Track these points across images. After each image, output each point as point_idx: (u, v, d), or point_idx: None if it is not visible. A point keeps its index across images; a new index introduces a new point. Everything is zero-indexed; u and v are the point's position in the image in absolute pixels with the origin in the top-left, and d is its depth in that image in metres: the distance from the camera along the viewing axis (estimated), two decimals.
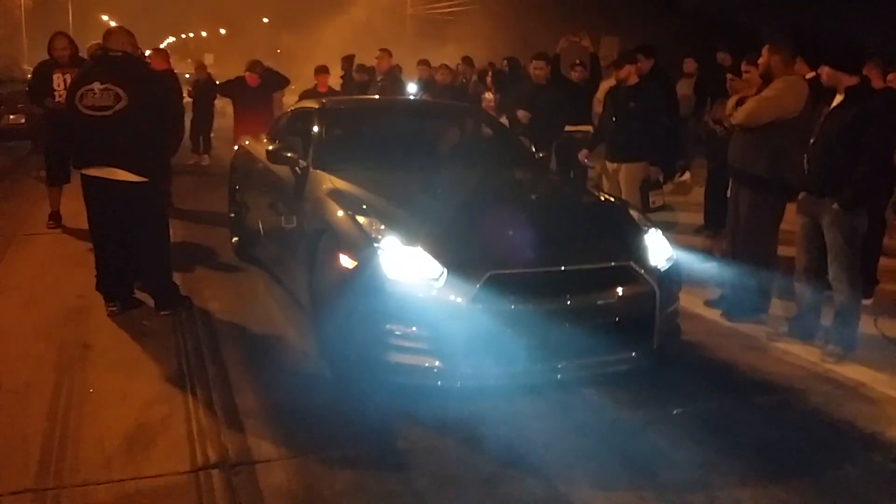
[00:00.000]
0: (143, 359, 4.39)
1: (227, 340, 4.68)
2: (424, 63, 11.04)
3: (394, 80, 10.46)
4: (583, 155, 7.07)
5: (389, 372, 3.80)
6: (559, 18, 25.19)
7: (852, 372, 4.37)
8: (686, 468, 3.31)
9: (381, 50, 10.67)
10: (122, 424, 3.55)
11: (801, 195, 4.73)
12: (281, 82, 9.78)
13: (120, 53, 4.89)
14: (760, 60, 5.18)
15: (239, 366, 4.28)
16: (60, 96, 6.69)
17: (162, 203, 5.27)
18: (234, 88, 9.53)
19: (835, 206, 4.40)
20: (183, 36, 54.36)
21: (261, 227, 5.85)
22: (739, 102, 5.37)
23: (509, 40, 23.07)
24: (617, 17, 23.45)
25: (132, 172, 4.77)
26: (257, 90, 9.21)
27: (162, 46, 17.18)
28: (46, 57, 7.28)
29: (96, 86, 4.74)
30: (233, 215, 6.79)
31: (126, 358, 4.39)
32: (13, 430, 3.49)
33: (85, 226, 5.27)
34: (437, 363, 3.72)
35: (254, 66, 9.35)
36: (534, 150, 5.80)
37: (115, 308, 5.05)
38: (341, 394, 3.92)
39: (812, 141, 4.61)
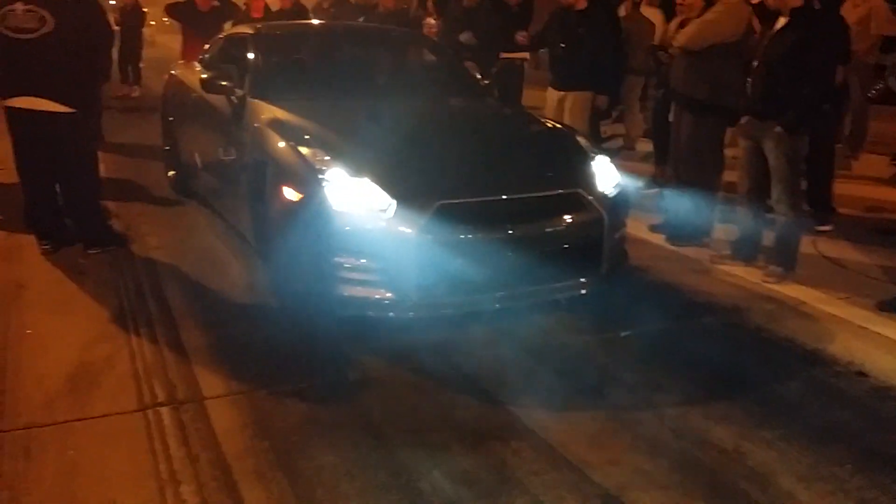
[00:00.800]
0: (82, 298, 4.24)
1: (168, 277, 4.55)
2: None
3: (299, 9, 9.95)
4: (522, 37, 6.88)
5: (340, 305, 3.74)
6: None
7: (793, 291, 4.49)
8: (635, 388, 3.38)
9: None
10: (63, 365, 3.44)
11: (743, 119, 4.76)
12: (234, 11, 9.13)
13: None
14: None
15: (182, 302, 4.18)
16: None
17: (91, 136, 5.01)
18: (183, 12, 8.87)
19: (778, 128, 4.44)
20: None
21: (198, 159, 5.64)
22: (682, 25, 5.34)
23: None
24: None
25: (60, 103, 4.51)
26: (209, 16, 8.54)
27: None
28: None
29: (18, 6, 4.42)
30: (167, 148, 6.55)
31: (63, 297, 4.24)
32: None
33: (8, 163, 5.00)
34: (388, 294, 3.67)
35: None
36: (479, 77, 5.68)
37: (48, 246, 4.85)
38: (290, 328, 3.86)
39: (755, 64, 4.62)
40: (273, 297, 4.15)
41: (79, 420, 3.03)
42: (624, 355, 3.70)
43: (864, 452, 2.94)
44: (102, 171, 5.22)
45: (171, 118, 6.38)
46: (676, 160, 5.41)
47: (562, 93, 6.48)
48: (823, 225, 5.58)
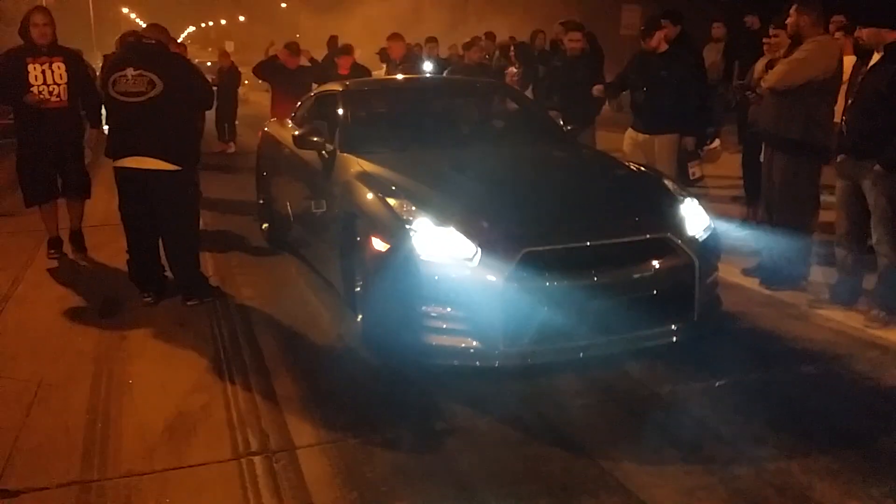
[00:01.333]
0: (180, 348, 4.41)
1: (261, 327, 4.68)
2: (433, 41, 10.81)
3: (414, 60, 10.26)
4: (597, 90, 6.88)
5: (427, 354, 3.77)
6: None
7: (890, 334, 4.29)
8: (731, 441, 3.25)
9: (392, 35, 10.11)
10: (163, 414, 3.57)
11: (839, 158, 4.61)
12: (322, 70, 9.36)
13: (153, 41, 4.88)
14: (789, 21, 5.04)
15: (275, 351, 4.29)
16: (40, 91, 5.69)
17: (193, 191, 5.25)
18: (269, 70, 9.24)
19: (876, 167, 4.27)
20: (203, 25, 54.54)
21: (290, 212, 5.84)
22: (769, 66, 5.24)
23: (528, 13, 22.77)
24: None
25: (165, 161, 4.77)
26: (296, 74, 8.86)
27: (183, 36, 17.11)
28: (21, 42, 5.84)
29: (129, 71, 4.72)
30: (261, 201, 6.79)
31: (162, 347, 4.42)
32: (56, 423, 3.52)
33: (109, 221, 5.27)
34: (474, 343, 3.69)
35: (291, 46, 9.03)
36: (562, 123, 5.70)
37: (149, 298, 5.08)
38: (379, 377, 3.91)
39: (850, 101, 4.49)
40: (361, 346, 4.21)
41: (176, 469, 3.13)
42: (719, 406, 3.57)
43: None
44: (200, 224, 5.45)
45: (265, 173, 6.63)
46: (769, 201, 5.26)
47: (646, 135, 6.42)
48: None
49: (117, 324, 4.76)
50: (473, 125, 5.96)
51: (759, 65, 5.52)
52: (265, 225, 6.69)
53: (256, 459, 3.18)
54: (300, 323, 4.73)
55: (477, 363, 3.72)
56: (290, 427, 3.43)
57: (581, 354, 3.81)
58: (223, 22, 51.27)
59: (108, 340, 4.50)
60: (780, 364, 4.06)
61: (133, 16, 53.55)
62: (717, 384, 3.79)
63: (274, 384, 3.88)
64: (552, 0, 22.45)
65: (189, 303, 5.03)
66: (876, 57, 4.39)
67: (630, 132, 6.58)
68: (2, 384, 3.89)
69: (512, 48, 10.02)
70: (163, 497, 2.93)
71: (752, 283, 5.23)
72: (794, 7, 4.97)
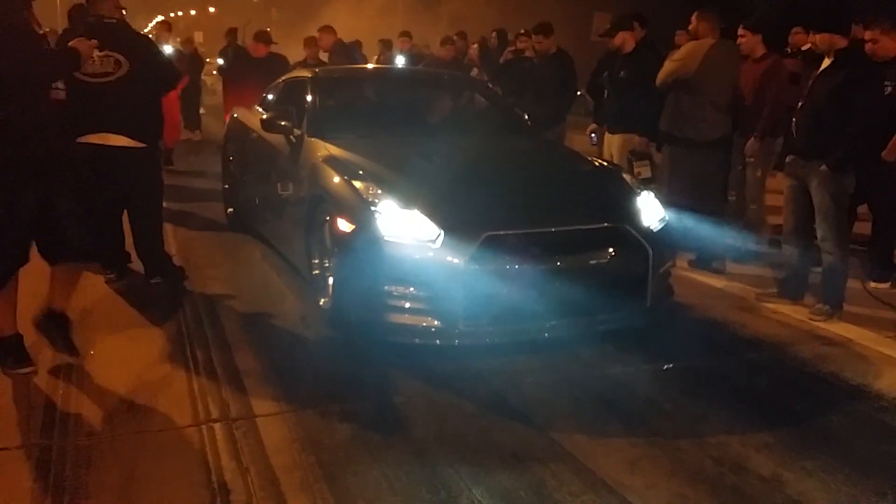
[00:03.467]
0: (142, 323, 4.46)
1: (224, 306, 4.73)
2: (406, 35, 10.90)
3: (343, 53, 10.15)
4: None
5: (388, 332, 3.87)
6: None
7: (840, 329, 4.48)
8: (676, 418, 3.41)
9: (323, 27, 9.97)
10: (123, 383, 3.62)
11: (788, 158, 4.81)
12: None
13: (115, 20, 4.89)
14: (690, 27, 5.69)
15: (238, 329, 4.35)
16: None
17: (157, 169, 5.26)
18: (233, 57, 9.16)
19: (823, 167, 4.47)
20: (172, 15, 53.96)
21: (256, 196, 5.90)
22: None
23: (501, 14, 22.94)
24: None
25: (131, 138, 4.78)
26: (262, 62, 8.86)
27: (150, 25, 16.87)
28: None
29: (94, 53, 4.72)
30: (227, 186, 6.82)
31: (125, 322, 4.46)
32: (17, 387, 3.57)
33: None
34: (435, 322, 3.80)
35: (262, 35, 9.00)
36: (526, 117, 5.84)
37: (111, 276, 5.09)
38: (340, 355, 4.00)
39: (800, 104, 4.69)
40: (324, 326, 4.29)
41: (137, 433, 3.19)
42: (665, 387, 3.73)
43: None
44: (166, 210, 5.46)
45: (231, 157, 6.67)
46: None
47: (612, 134, 6.60)
48: (881, 282, 5.41)
49: (79, 297, 4.75)
50: (440, 116, 6.07)
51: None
52: (230, 209, 6.72)
53: (216, 426, 3.25)
54: (263, 303, 4.80)
55: (437, 342, 3.83)
56: (250, 397, 3.50)
57: (537, 336, 3.95)
58: (192, 12, 50.85)
59: (73, 312, 4.51)
60: (726, 351, 4.24)
61: None
62: (663, 367, 3.95)
63: (235, 358, 3.94)
64: (524, 4, 22.67)
65: (152, 280, 5.04)
66: (826, 62, 4.60)
67: (605, 132, 6.77)
68: None
69: (476, 48, 10.14)
70: (122, 461, 2.98)
71: (704, 276, 5.44)
72: (695, 13, 5.64)
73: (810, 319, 4.61)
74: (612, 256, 4.04)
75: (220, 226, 6.73)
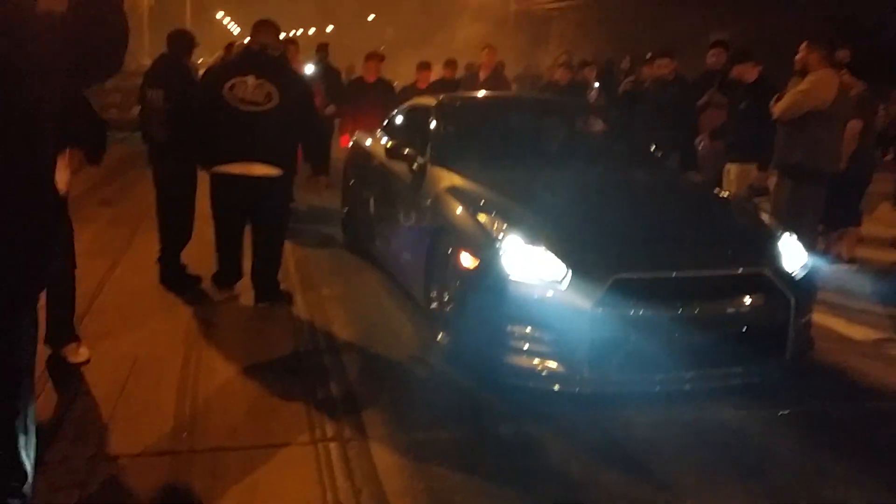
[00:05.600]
0: (262, 339, 4.55)
1: (341, 330, 4.76)
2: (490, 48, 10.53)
3: (498, 77, 10.26)
4: (700, 139, 6.80)
5: (508, 374, 3.75)
6: (664, 15, 24.47)
7: None
8: (793, 468, 3.26)
9: (488, 46, 10.35)
10: (245, 397, 3.74)
11: None
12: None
13: (277, 54, 4.96)
14: (798, 57, 5.56)
15: (354, 355, 4.37)
16: None
17: (288, 199, 5.32)
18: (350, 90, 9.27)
19: None
20: (292, 34, 56.11)
21: (375, 222, 5.90)
22: (779, 98, 5.54)
23: (614, 37, 22.57)
24: (726, 12, 22.57)
25: (272, 167, 4.80)
26: (374, 87, 8.79)
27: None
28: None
29: (250, 79, 4.74)
30: (346, 210, 6.87)
31: (246, 337, 4.59)
32: (149, 396, 3.72)
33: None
34: (558, 367, 3.65)
35: (376, 56, 8.93)
36: (652, 148, 5.62)
37: (232, 292, 5.21)
38: (455, 387, 3.95)
39: None
40: (440, 359, 4.22)
41: (258, 448, 3.27)
42: (784, 434, 3.54)
43: None
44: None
45: (351, 182, 6.71)
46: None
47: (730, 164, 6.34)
48: None
49: (205, 312, 4.94)
50: (566, 145, 5.92)
51: (774, 98, 5.64)
52: (348, 233, 6.77)
53: (331, 445, 3.32)
54: (379, 330, 4.78)
55: (556, 387, 3.68)
56: (364, 420, 3.55)
57: (665, 389, 3.73)
58: (312, 31, 52.53)
59: (197, 326, 4.70)
60: (846, 398, 4.00)
61: (227, 20, 55.30)
62: (779, 413, 3.74)
63: (350, 382, 3.99)
64: (639, 27, 22.23)
65: (259, 304, 5.09)
66: None
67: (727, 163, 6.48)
68: (101, 359, 4.07)
69: (594, 72, 9.96)
70: (245, 472, 3.07)
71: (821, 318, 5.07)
72: (804, 44, 5.58)
73: None
74: (750, 304, 3.78)
75: (338, 248, 6.79)
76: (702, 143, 6.72)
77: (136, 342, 4.35)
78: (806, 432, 3.57)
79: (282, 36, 5.57)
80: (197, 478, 3.03)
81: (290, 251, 6.50)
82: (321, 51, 10.08)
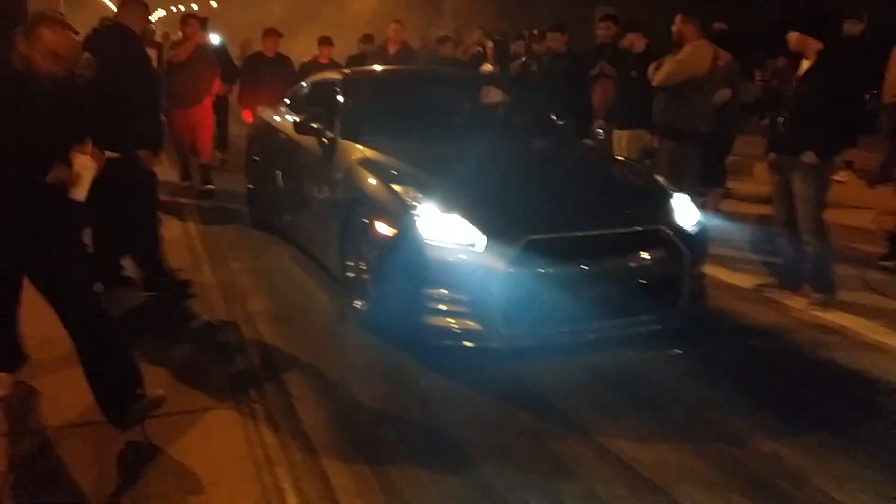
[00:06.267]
0: (177, 314, 4.63)
1: (254, 301, 4.84)
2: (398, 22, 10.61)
3: (408, 51, 10.26)
4: (597, 125, 7.15)
5: (428, 334, 3.92)
6: None
7: (837, 318, 4.69)
8: (683, 399, 3.62)
9: (396, 21, 10.27)
10: (165, 369, 3.79)
11: (772, 156, 4.99)
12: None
13: (110, 23, 4.75)
14: (674, 28, 5.86)
15: (269, 324, 4.46)
16: None
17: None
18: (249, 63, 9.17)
19: (807, 156, 4.64)
20: (174, 10, 53.81)
21: (284, 197, 5.91)
22: (658, 66, 5.89)
23: (506, 12, 22.92)
24: None
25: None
26: (274, 62, 8.79)
27: (153, 21, 16.40)
28: None
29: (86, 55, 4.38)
30: (251, 186, 6.81)
31: (162, 312, 4.65)
32: (68, 373, 3.42)
33: None
34: (474, 325, 3.84)
35: (274, 32, 8.90)
36: (555, 117, 5.87)
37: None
38: (373, 349, 4.10)
39: (785, 106, 4.88)
40: (356, 320, 4.40)
41: (183, 413, 3.36)
42: (675, 372, 3.90)
43: None
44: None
45: (256, 158, 6.67)
46: None
47: (620, 131, 6.74)
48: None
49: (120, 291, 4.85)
50: (471, 116, 6.09)
51: (651, 66, 6.06)
52: (254, 209, 6.73)
53: (256, 406, 3.46)
54: (295, 301, 4.89)
55: (475, 344, 3.88)
56: (286, 382, 3.71)
57: (577, 339, 4.00)
58: (195, 7, 50.68)
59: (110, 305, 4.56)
60: (730, 338, 4.41)
61: None
62: (671, 352, 4.12)
63: (269, 349, 4.13)
64: (525, 4, 22.64)
65: (142, 293, 4.91)
66: (805, 64, 4.76)
67: (614, 130, 6.82)
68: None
69: (489, 46, 10.14)
70: (173, 437, 3.18)
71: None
72: (679, 16, 5.88)
73: (810, 309, 4.75)
74: (649, 259, 4.08)
75: (243, 224, 6.77)
76: (600, 128, 7.04)
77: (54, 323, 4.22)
78: (696, 370, 3.93)
79: (161, 14, 5.31)
80: (125, 446, 3.10)
81: (195, 231, 6.50)
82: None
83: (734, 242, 6.22)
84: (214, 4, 48.68)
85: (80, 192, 3.12)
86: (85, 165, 3.11)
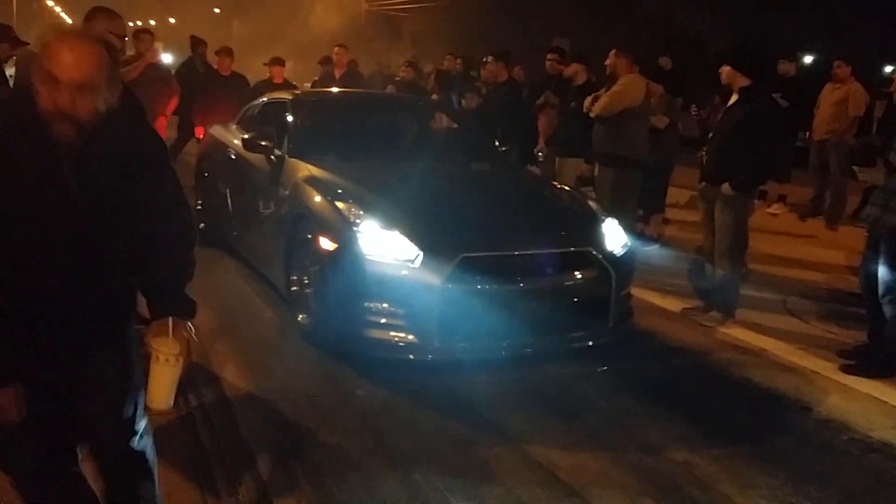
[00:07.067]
0: None
1: (198, 314, 4.81)
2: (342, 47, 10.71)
3: (354, 75, 10.53)
4: (538, 149, 7.40)
5: (367, 346, 4.08)
6: (516, 17, 25.55)
7: (756, 340, 4.93)
8: (606, 412, 3.84)
9: (339, 45, 10.52)
10: None
11: (701, 185, 5.28)
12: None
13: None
14: (608, 62, 6.30)
15: (214, 336, 4.51)
16: None
17: None
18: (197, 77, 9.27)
19: (725, 186, 4.92)
20: (130, 24, 53.51)
21: (231, 213, 6.02)
22: (595, 99, 6.25)
23: (466, 38, 23.34)
24: (570, 19, 23.94)
25: None
26: (228, 80, 8.82)
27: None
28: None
29: None
30: (199, 202, 6.87)
31: None
32: None
33: None
34: (412, 338, 4.01)
35: (228, 51, 8.97)
36: (497, 143, 6.11)
37: None
38: (316, 362, 4.22)
39: (711, 136, 5.21)
40: (298, 334, 4.51)
41: None
42: (601, 386, 4.12)
43: (797, 468, 3.37)
44: None
45: (206, 174, 6.75)
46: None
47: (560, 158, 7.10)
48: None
49: None
50: (415, 139, 6.31)
51: (588, 99, 6.41)
52: (202, 225, 6.79)
53: (196, 413, 3.57)
54: (239, 315, 4.98)
55: (411, 356, 4.05)
56: (226, 391, 3.83)
57: (508, 354, 4.19)
58: (152, 22, 50.34)
59: None
60: (655, 356, 4.65)
61: (58, 9, 51.90)
62: (598, 370, 4.33)
63: (211, 360, 4.19)
64: (490, 28, 23.11)
65: None
66: (734, 98, 5.06)
67: (556, 157, 7.13)
68: None
69: (433, 75, 10.41)
70: None
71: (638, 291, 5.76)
72: (612, 51, 6.33)
73: (701, 324, 5.08)
74: (579, 279, 4.31)
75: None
76: (541, 153, 7.31)
77: None
78: (620, 384, 4.16)
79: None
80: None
81: None
82: (200, 45, 9.98)
83: (668, 267, 6.55)
84: (172, 21, 48.44)
85: (162, 398, 2.09)
86: (167, 350, 2.00)
